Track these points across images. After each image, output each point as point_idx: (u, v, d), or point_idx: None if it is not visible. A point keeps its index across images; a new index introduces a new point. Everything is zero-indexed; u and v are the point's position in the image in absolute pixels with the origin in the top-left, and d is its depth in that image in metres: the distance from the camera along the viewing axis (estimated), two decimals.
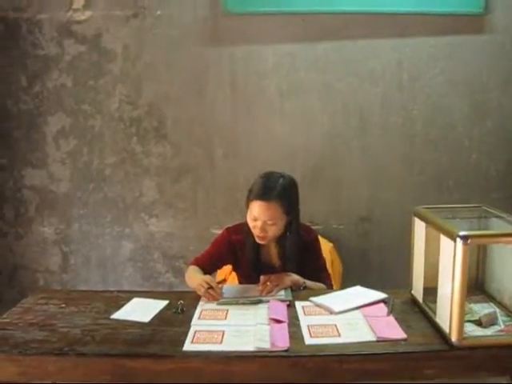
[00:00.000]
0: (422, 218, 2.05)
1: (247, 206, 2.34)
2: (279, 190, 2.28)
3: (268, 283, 2.28)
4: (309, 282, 2.40)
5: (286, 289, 2.30)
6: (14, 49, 3.28)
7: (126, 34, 3.25)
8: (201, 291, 2.21)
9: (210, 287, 2.20)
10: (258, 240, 2.35)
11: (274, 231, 2.32)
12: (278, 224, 2.31)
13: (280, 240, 2.43)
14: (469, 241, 1.67)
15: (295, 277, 2.36)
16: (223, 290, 2.25)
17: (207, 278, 2.27)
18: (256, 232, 2.31)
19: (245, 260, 2.48)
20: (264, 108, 3.30)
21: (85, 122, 3.36)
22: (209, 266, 2.48)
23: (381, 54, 3.24)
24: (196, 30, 3.23)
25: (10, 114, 3.37)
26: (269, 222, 2.27)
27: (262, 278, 2.33)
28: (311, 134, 3.32)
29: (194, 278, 2.35)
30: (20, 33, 3.27)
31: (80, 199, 3.45)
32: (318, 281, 2.47)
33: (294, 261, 2.44)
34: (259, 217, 2.27)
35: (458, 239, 1.68)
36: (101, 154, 3.39)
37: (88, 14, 3.23)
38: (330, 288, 2.51)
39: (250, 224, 2.33)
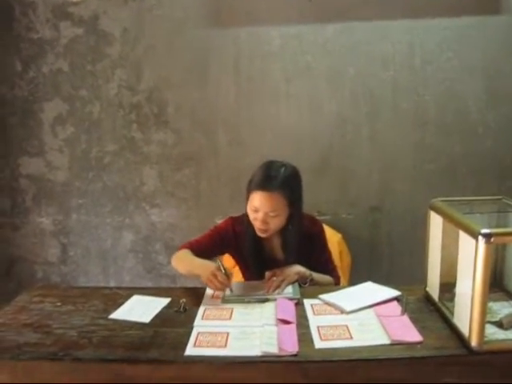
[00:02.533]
0: (438, 212, 1.94)
1: (247, 197, 2.25)
2: (281, 180, 2.20)
3: (274, 278, 2.19)
4: (315, 274, 2.31)
5: (293, 285, 2.20)
6: (7, 32, 3.20)
7: (125, 16, 3.15)
8: (212, 282, 2.07)
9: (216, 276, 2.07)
10: (258, 233, 2.26)
11: (275, 224, 2.23)
12: (280, 216, 2.22)
13: (282, 232, 2.34)
14: (492, 239, 1.56)
15: (301, 268, 2.27)
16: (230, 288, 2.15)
17: (215, 267, 2.13)
18: (257, 224, 2.23)
19: (246, 253, 2.40)
20: (269, 93, 3.21)
21: (82, 108, 3.27)
22: (205, 252, 2.33)
23: (392, 37, 3.13)
24: (198, 11, 3.13)
25: (4, 100, 3.29)
26: (271, 214, 2.18)
27: (266, 274, 2.24)
28: (318, 120, 3.22)
29: (194, 262, 2.23)
30: (13, 15, 3.18)
31: (79, 188, 3.38)
32: (325, 274, 2.38)
33: (296, 253, 2.35)
34: (260, 208, 2.18)
35: (480, 237, 1.57)
36: (99, 141, 3.31)
37: None
38: (337, 281, 2.44)
39: (251, 216, 2.24)
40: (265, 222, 2.20)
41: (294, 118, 3.22)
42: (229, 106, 3.23)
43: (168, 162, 3.31)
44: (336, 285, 2.40)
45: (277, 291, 2.14)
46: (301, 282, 2.25)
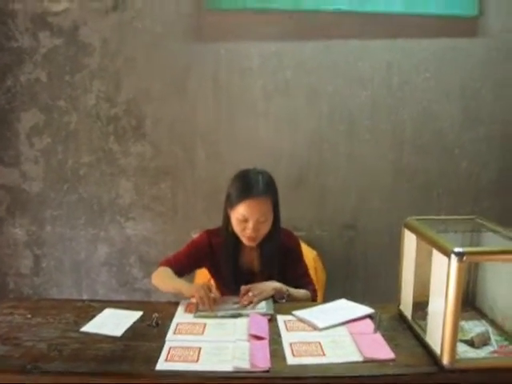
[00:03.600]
0: (412, 230, 1.96)
1: (228, 211, 2.27)
2: (263, 184, 2.24)
3: (250, 293, 2.17)
4: (292, 290, 2.31)
5: (267, 301, 2.18)
6: None
7: (105, 28, 3.12)
8: (201, 294, 2.08)
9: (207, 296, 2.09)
10: (247, 242, 2.27)
11: (265, 229, 2.26)
12: (268, 220, 2.25)
13: (261, 242, 2.33)
14: (464, 258, 1.57)
15: (277, 284, 2.26)
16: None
17: (206, 284, 2.17)
18: (247, 234, 2.23)
19: (224, 264, 2.39)
20: (248, 109, 3.20)
21: (60, 118, 3.23)
22: (183, 268, 2.36)
23: (371, 56, 3.15)
24: (178, 25, 3.12)
25: None
26: (261, 220, 2.21)
27: (242, 288, 2.22)
28: (296, 137, 3.23)
29: (178, 283, 2.24)
30: None
31: (53, 200, 3.32)
32: (301, 287, 2.38)
33: (273, 265, 2.36)
34: (251, 216, 2.19)
35: (453, 256, 1.58)
36: (76, 152, 3.26)
37: (65, 4, 3.09)
38: (313, 294, 2.43)
39: (238, 227, 2.25)
40: (256, 229, 2.21)
41: (272, 134, 3.22)
42: (207, 121, 3.21)
43: (145, 174, 3.27)
44: (313, 299, 2.40)
45: (250, 306, 2.13)
46: (278, 297, 2.24)
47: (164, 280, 2.31)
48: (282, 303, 2.23)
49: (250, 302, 2.14)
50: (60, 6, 3.09)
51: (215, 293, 2.15)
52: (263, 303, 2.16)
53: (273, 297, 2.23)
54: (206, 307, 2.07)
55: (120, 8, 3.10)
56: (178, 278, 2.28)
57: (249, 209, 2.18)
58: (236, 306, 2.14)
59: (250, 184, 2.23)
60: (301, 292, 2.36)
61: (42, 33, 3.13)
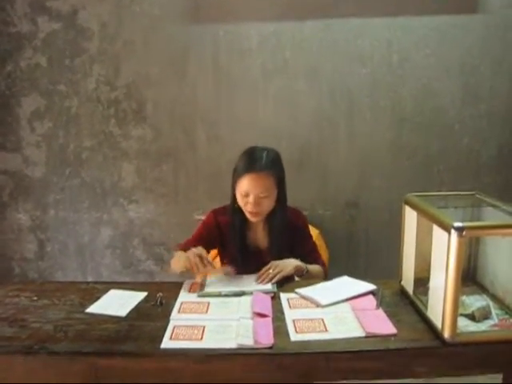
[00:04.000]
0: (413, 207, 1.96)
1: (234, 186, 2.30)
2: (267, 160, 2.26)
3: (270, 270, 2.19)
4: (310, 266, 2.34)
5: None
6: None
7: (104, 11, 3.12)
8: (191, 261, 2.12)
9: (201, 257, 2.12)
10: (250, 217, 2.31)
11: (267, 205, 2.28)
12: (270, 196, 2.27)
13: (267, 219, 2.38)
14: (464, 232, 1.58)
15: (297, 262, 2.28)
16: (206, 283, 2.16)
17: (198, 248, 2.18)
18: (249, 208, 2.26)
19: (231, 242, 2.42)
20: (247, 89, 3.20)
21: (60, 103, 3.24)
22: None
23: (370, 34, 3.14)
24: (176, 8, 3.11)
25: None
26: (261, 195, 2.23)
27: (264, 268, 2.22)
28: (297, 117, 3.23)
29: (181, 256, 2.25)
30: None
31: (56, 184, 3.35)
32: (311, 263, 2.40)
33: (281, 243, 2.38)
34: (251, 190, 2.22)
35: (453, 231, 1.59)
36: (77, 136, 3.28)
37: None
38: (324, 268, 2.46)
39: (241, 202, 2.28)
40: (257, 204, 2.24)
41: (273, 114, 3.22)
42: (207, 102, 3.22)
43: (146, 157, 3.29)
44: (325, 274, 2.43)
45: (265, 281, 2.15)
46: (297, 275, 2.28)
47: (174, 261, 2.34)
48: (299, 281, 2.27)
49: (271, 279, 2.16)
50: None
51: (207, 257, 2.17)
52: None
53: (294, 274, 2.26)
54: (200, 271, 2.12)
55: None
56: (182, 253, 2.27)
57: (250, 183, 2.21)
58: (240, 284, 2.15)
59: (253, 159, 2.26)
60: (316, 268, 2.40)
61: (40, 17, 3.13)
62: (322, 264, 2.48)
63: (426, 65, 3.17)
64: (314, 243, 2.55)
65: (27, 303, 2.02)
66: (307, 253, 2.45)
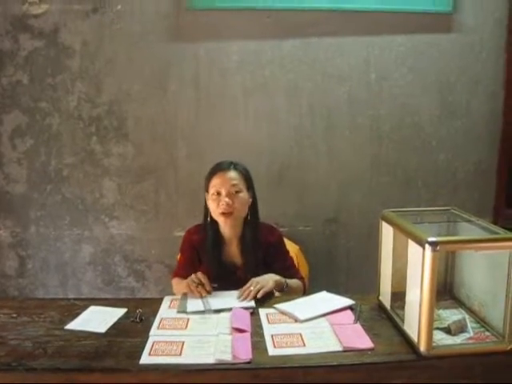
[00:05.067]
0: (389, 222, 2.00)
1: (206, 197, 2.38)
2: (236, 165, 2.39)
3: (251, 287, 2.20)
4: (289, 281, 2.37)
5: None
6: None
7: (85, 29, 3.13)
8: (191, 286, 2.23)
9: (201, 283, 2.23)
10: (223, 219, 2.34)
11: (239, 203, 2.33)
12: (242, 193, 2.34)
13: (241, 236, 2.43)
14: (438, 247, 1.62)
15: (277, 277, 2.31)
16: (187, 304, 2.17)
17: (198, 274, 2.27)
18: (221, 208, 2.31)
19: (206, 259, 2.45)
20: (228, 107, 3.23)
21: (42, 120, 3.23)
22: (189, 273, 2.39)
23: (348, 53, 3.19)
24: (158, 26, 3.13)
25: None
26: (232, 190, 2.30)
27: (247, 284, 2.24)
28: (276, 134, 3.26)
29: (182, 284, 2.34)
30: None
31: (37, 201, 3.32)
32: (289, 278, 2.43)
33: (257, 261, 2.41)
34: (222, 186, 2.30)
35: (427, 245, 1.63)
36: (59, 153, 3.26)
37: (45, 7, 3.09)
38: (303, 282, 2.50)
39: (214, 204, 2.33)
40: (229, 199, 2.30)
41: (253, 131, 3.24)
42: (188, 120, 3.23)
43: (127, 174, 3.28)
44: (304, 288, 2.47)
45: (248, 299, 2.16)
46: (277, 289, 2.30)
47: (176, 290, 2.44)
48: (280, 296, 2.30)
49: (254, 296, 2.17)
50: (40, 8, 3.10)
51: (205, 280, 2.25)
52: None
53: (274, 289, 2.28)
54: (199, 295, 2.20)
55: (100, 10, 3.10)
56: (182, 283, 2.37)
57: (219, 180, 2.30)
58: (222, 301, 2.16)
59: (220, 163, 2.38)
60: (295, 282, 2.43)
61: (22, 35, 3.12)
62: (301, 278, 2.51)
63: (403, 83, 3.22)
64: (291, 258, 2.57)
65: (6, 320, 2.02)
66: (285, 268, 2.47)
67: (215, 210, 2.33)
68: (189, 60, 3.17)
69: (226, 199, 2.29)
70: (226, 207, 2.29)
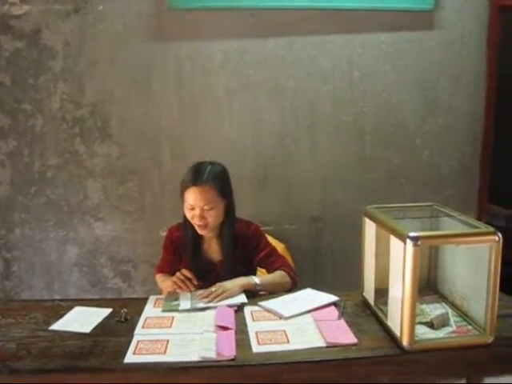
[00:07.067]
0: (372, 218, 2.01)
1: (182, 199, 2.34)
2: (210, 174, 2.30)
3: (213, 289, 2.20)
4: (264, 278, 2.35)
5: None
6: None
7: (67, 30, 3.12)
8: (179, 283, 2.29)
9: (187, 278, 2.29)
10: (199, 230, 2.34)
11: (213, 217, 2.30)
12: (216, 209, 2.30)
13: (219, 233, 2.42)
14: (419, 242, 1.63)
15: (244, 281, 2.28)
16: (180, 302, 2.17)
17: (183, 271, 2.33)
18: (196, 222, 2.30)
19: (186, 257, 2.45)
20: (211, 107, 3.23)
21: (25, 121, 3.21)
22: (171, 268, 2.46)
23: (331, 51, 3.21)
24: (141, 26, 3.13)
25: None
26: (206, 208, 2.26)
27: (212, 287, 2.23)
28: (260, 133, 3.27)
29: (167, 279, 2.41)
30: None
31: (21, 203, 3.30)
32: (272, 265, 2.43)
33: (232, 254, 2.42)
34: (196, 203, 2.26)
35: (408, 240, 1.64)
36: (42, 155, 3.25)
37: (26, 8, 3.08)
38: (288, 269, 2.44)
39: (189, 215, 2.32)
40: (202, 217, 2.27)
41: (237, 130, 3.25)
42: (172, 120, 3.23)
43: (112, 175, 3.28)
44: (289, 275, 2.41)
45: (205, 301, 2.16)
46: (251, 291, 2.27)
47: (162, 286, 2.49)
48: (262, 295, 2.28)
49: (214, 298, 2.16)
50: (21, 9, 3.08)
51: (191, 275, 2.31)
52: (243, 295, 2.20)
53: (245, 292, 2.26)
54: (187, 289, 2.27)
55: (81, 10, 3.10)
56: (167, 279, 2.42)
57: (193, 196, 2.25)
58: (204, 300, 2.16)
59: (195, 173, 2.30)
60: (275, 276, 2.39)
61: (3, 36, 3.11)
62: (285, 265, 2.47)
63: (386, 81, 3.25)
64: (270, 246, 2.53)
65: None
66: (265, 256, 2.46)
67: (190, 219, 2.33)
68: (172, 60, 3.18)
69: (199, 217, 2.27)
70: (199, 222, 2.29)
